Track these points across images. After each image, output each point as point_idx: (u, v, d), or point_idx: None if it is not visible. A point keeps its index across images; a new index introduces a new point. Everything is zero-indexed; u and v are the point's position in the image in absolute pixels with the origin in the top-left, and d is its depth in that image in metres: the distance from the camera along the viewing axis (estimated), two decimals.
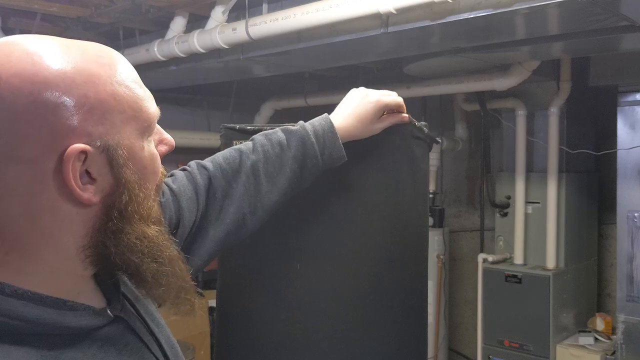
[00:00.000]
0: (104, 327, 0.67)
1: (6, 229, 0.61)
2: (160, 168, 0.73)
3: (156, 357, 0.73)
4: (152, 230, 0.67)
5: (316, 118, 1.13)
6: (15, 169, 0.59)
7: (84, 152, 0.60)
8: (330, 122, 1.11)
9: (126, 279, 0.73)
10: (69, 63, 0.61)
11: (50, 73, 0.60)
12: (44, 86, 0.59)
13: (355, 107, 1.15)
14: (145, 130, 0.68)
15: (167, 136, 0.75)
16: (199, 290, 4.11)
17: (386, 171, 1.19)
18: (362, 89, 1.19)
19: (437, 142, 1.28)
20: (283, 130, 1.10)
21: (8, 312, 0.59)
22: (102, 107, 0.62)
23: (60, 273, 0.64)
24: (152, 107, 0.69)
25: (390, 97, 1.18)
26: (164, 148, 0.74)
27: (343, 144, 1.11)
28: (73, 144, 0.59)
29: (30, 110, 0.58)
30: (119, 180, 0.64)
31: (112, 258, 0.65)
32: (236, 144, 1.23)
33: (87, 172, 0.62)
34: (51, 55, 0.61)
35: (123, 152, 0.64)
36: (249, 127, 1.26)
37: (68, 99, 0.60)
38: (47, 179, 0.60)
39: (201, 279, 4.13)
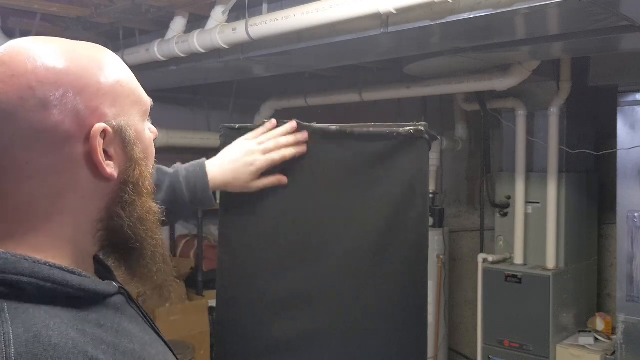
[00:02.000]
0: (113, 296, 0.72)
1: (29, 208, 0.67)
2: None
3: (155, 331, 0.79)
4: (155, 207, 0.76)
5: (192, 163, 1.19)
6: (44, 151, 0.66)
7: (104, 131, 0.68)
8: (204, 172, 1.17)
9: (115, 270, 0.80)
10: (82, 55, 0.70)
11: (69, 63, 0.68)
12: (65, 75, 0.67)
13: (234, 164, 1.18)
14: (145, 114, 0.77)
15: (151, 125, 0.82)
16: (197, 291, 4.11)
17: (386, 170, 1.19)
18: (247, 146, 1.20)
19: (436, 139, 1.28)
20: (158, 171, 1.15)
21: (39, 275, 0.63)
22: (113, 91, 0.71)
23: (71, 250, 0.70)
24: (146, 97, 0.78)
25: (274, 154, 1.18)
26: (152, 136, 0.81)
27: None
28: (95, 124, 0.68)
29: (58, 97, 0.66)
30: (131, 158, 0.72)
31: (125, 229, 0.72)
32: None
33: (106, 152, 0.70)
34: (66, 49, 0.70)
35: (132, 132, 0.72)
36: (249, 127, 1.25)
37: (88, 84, 0.68)
38: (75, 158, 0.67)
39: (201, 279, 4.13)
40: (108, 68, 0.71)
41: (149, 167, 0.76)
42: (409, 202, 1.18)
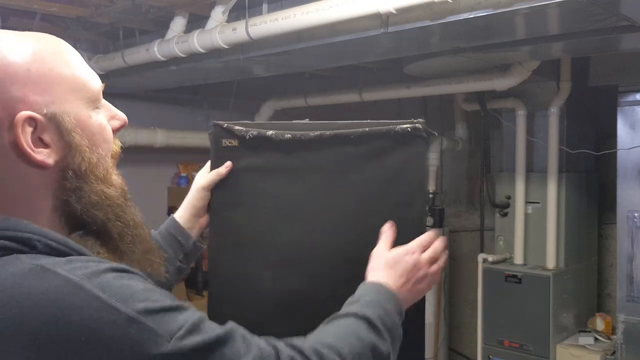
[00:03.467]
0: None
1: None
2: (112, 138, 0.81)
3: None
4: (111, 191, 0.77)
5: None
6: None
7: (32, 118, 0.70)
8: (172, 218, 1.21)
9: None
10: (12, 44, 0.71)
11: None
12: None
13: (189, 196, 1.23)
14: (90, 101, 0.77)
15: (118, 112, 0.82)
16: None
17: (383, 170, 1.17)
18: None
19: (434, 135, 1.27)
20: None
21: (47, 234, 0.69)
22: (44, 79, 0.71)
23: None
24: (94, 83, 0.78)
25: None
26: (116, 123, 0.82)
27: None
28: (20, 112, 0.69)
29: None
30: (70, 144, 0.73)
31: (79, 215, 0.74)
32: (225, 144, 1.21)
33: (41, 139, 0.71)
34: None
35: (70, 119, 0.73)
36: (237, 127, 1.21)
37: (15, 73, 0.69)
38: (4, 146, 0.69)
39: (201, 279, 4.13)
40: (41, 55, 0.72)
41: (97, 153, 0.75)
42: (407, 201, 1.16)
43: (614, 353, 3.12)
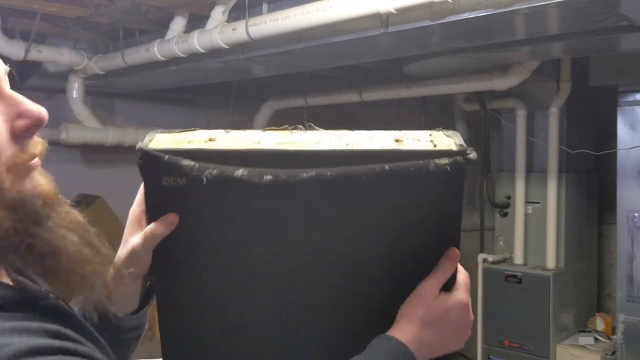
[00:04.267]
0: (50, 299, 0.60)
1: None
2: (8, 142, 0.57)
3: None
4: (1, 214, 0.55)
5: None
6: None
7: None
8: None
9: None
10: None
11: None
12: None
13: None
14: None
15: (28, 107, 0.58)
16: None
17: (408, 216, 0.87)
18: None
19: (475, 161, 0.81)
20: None
21: None
22: None
23: None
24: None
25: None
26: (22, 122, 0.57)
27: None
28: None
29: None
30: None
31: None
32: (167, 182, 0.77)
33: None
34: None
35: None
36: (184, 163, 0.75)
37: None
38: None
39: None
40: None
41: None
42: (437, 249, 0.89)
43: (614, 353, 3.12)
